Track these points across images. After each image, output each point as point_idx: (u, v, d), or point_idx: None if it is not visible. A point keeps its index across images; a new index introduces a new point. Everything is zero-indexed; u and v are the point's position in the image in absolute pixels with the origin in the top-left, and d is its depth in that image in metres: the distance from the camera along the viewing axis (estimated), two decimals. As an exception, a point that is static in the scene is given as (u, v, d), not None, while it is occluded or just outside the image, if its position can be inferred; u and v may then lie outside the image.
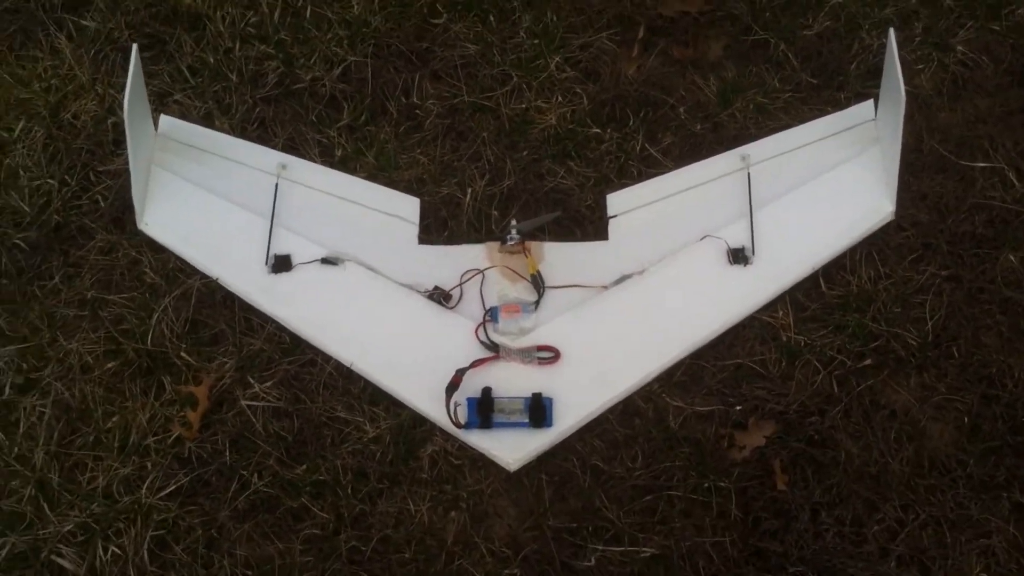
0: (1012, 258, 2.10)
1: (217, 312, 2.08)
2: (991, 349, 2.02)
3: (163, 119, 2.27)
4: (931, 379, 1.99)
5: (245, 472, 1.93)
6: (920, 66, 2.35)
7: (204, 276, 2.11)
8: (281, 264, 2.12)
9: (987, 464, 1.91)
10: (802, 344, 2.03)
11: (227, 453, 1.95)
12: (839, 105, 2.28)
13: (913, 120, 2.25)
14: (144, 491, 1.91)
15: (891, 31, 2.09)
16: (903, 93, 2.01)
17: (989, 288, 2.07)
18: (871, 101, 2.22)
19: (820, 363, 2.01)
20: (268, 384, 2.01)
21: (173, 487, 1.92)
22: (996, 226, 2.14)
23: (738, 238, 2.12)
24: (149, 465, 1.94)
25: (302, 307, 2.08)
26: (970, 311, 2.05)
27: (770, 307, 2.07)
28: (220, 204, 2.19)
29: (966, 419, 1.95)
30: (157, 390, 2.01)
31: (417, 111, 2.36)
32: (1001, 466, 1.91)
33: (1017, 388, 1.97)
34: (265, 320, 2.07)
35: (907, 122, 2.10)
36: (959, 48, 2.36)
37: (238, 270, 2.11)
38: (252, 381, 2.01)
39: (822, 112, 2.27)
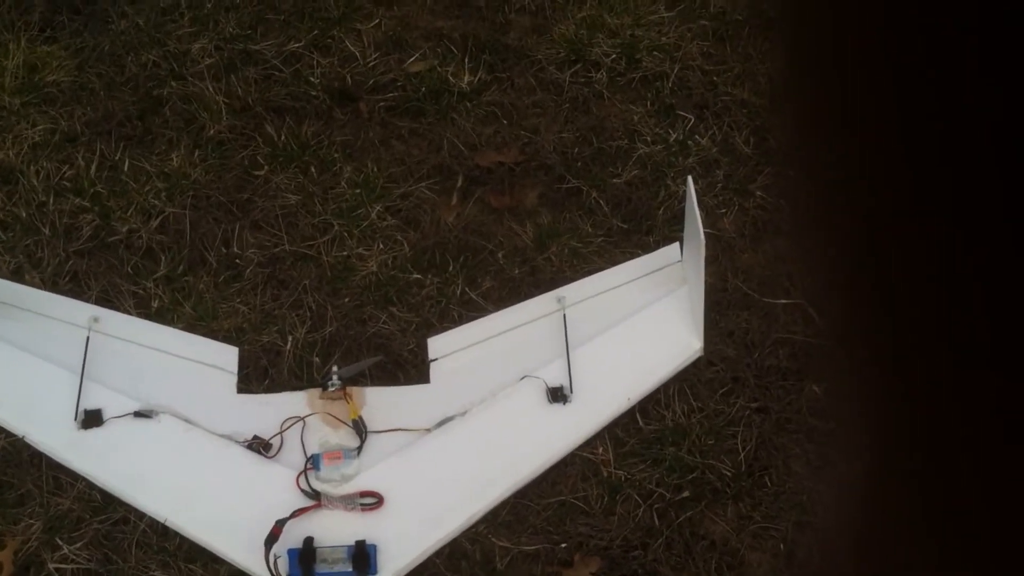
0: (815, 388, 2.20)
1: (23, 471, 2.00)
2: (801, 476, 2.09)
3: (-31, 274, 2.21)
4: (747, 508, 2.05)
5: (50, 641, 1.83)
6: (723, 210, 2.48)
7: (10, 434, 2.03)
8: (91, 419, 2.05)
9: (803, 590, 1.96)
10: (622, 479, 2.06)
11: (31, 621, 1.85)
12: (648, 248, 2.38)
13: (717, 261, 2.36)
14: (-63, 668, 1.79)
15: (689, 179, 2.21)
16: (702, 237, 2.11)
17: (795, 418, 2.16)
18: (677, 244, 2.33)
19: (640, 497, 2.05)
20: (78, 546, 1.92)
21: (-30, 661, 1.80)
22: (799, 359, 2.25)
23: (556, 377, 2.16)
24: (-56, 639, 1.82)
25: (114, 463, 2.01)
26: (779, 440, 2.13)
27: (591, 443, 2.10)
28: (28, 360, 2.12)
29: (782, 546, 2.01)
30: (-45, 557, 1.90)
31: (237, 260, 2.36)
32: (816, 591, 1.96)
33: (827, 514, 2.03)
34: (75, 478, 1.99)
35: (712, 263, 2.21)
36: (758, 193, 2.51)
37: (46, 427, 2.04)
38: (60, 543, 1.92)
39: (633, 255, 2.37)
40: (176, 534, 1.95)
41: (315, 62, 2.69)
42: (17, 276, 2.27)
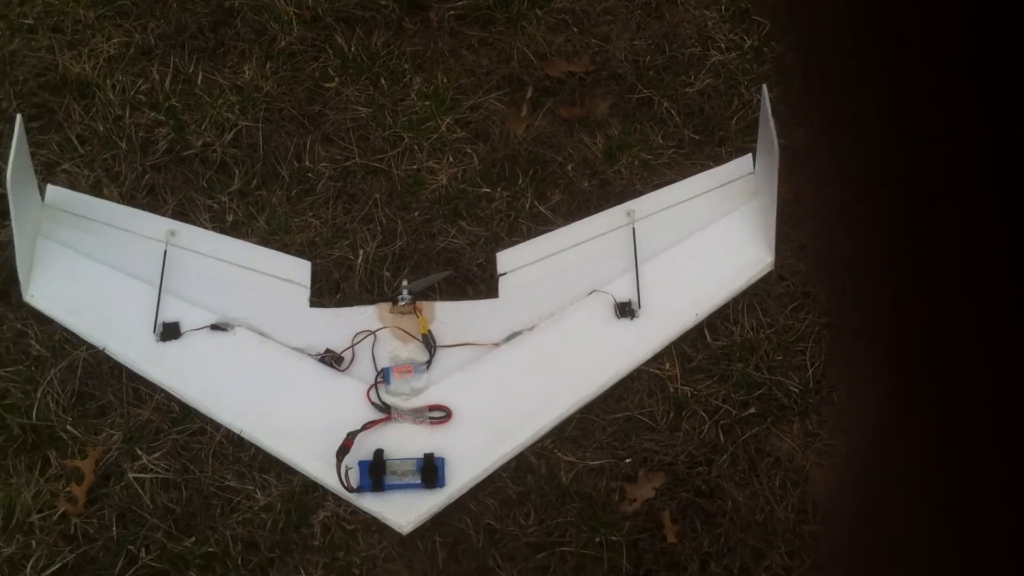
0: (888, 304, 2.16)
1: (104, 383, 2.07)
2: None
3: (50, 189, 2.26)
4: (813, 425, 2.04)
5: (132, 547, 1.91)
6: (798, 120, 2.42)
7: (91, 347, 2.09)
8: (170, 332, 2.11)
9: (868, 507, 1.96)
10: (688, 395, 2.07)
11: (114, 528, 1.92)
12: (721, 160, 2.34)
13: (791, 173, 2.31)
14: (28, 571, 1.88)
15: (764, 87, 2.16)
16: (776, 147, 2.07)
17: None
18: (750, 155, 2.29)
19: (706, 413, 2.05)
20: (156, 455, 1.99)
21: (58, 565, 1.89)
22: (872, 274, 2.20)
23: (625, 292, 2.16)
24: (34, 543, 1.91)
25: (191, 375, 2.07)
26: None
27: (657, 359, 2.11)
28: (108, 273, 2.18)
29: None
30: (43, 465, 1.98)
31: (309, 174, 2.38)
32: (882, 509, 1.96)
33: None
34: (154, 389, 2.06)
35: (785, 175, 2.17)
36: (835, 101, 2.44)
37: (126, 339, 2.10)
38: (140, 453, 1.99)
39: (704, 167, 2.33)
40: (251, 445, 2.01)
41: (385, -30, 2.66)
42: (96, 190, 2.32)
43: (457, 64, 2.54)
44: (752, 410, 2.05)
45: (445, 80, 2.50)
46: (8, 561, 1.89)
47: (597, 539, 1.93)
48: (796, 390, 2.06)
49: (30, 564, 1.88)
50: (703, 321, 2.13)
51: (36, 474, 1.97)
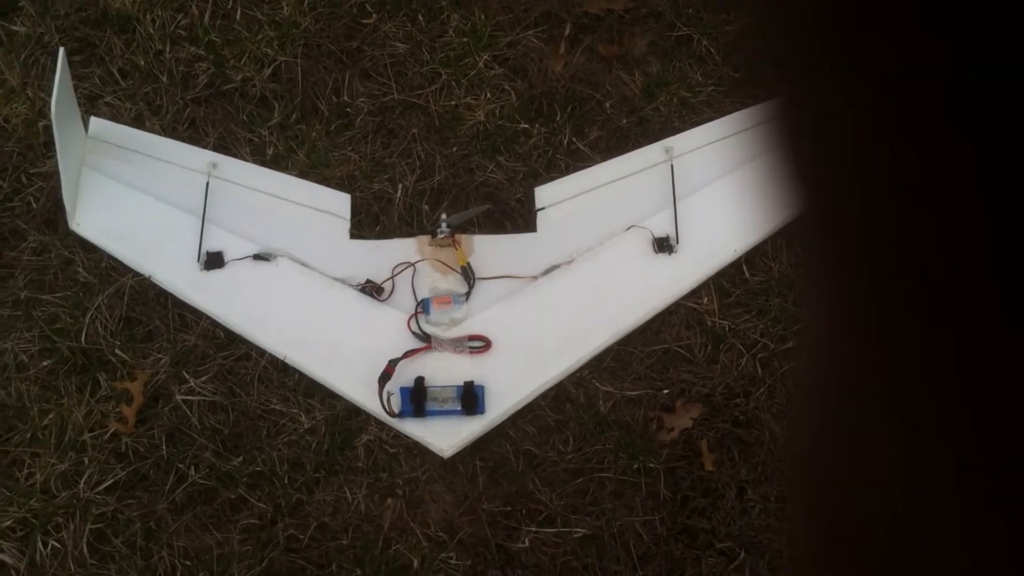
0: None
1: (151, 309, 2.10)
2: (906, 329, 2.09)
3: (93, 121, 2.29)
4: (849, 359, 2.06)
5: (182, 465, 1.95)
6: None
7: (137, 274, 2.13)
8: (213, 261, 2.14)
9: (903, 438, 1.98)
10: (726, 329, 2.09)
11: (163, 447, 1.97)
12: (760, 98, 2.34)
13: (829, 111, 2.32)
14: (82, 486, 1.92)
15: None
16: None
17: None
18: (789, 93, 2.29)
19: (744, 347, 2.07)
20: (203, 379, 2.03)
21: (111, 481, 1.93)
22: (910, 211, 2.22)
23: (663, 228, 2.18)
24: (86, 460, 1.95)
25: (235, 302, 2.10)
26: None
27: (695, 294, 2.13)
28: (152, 203, 2.20)
29: (883, 396, 2.02)
30: (92, 387, 2.02)
31: (348, 109, 2.39)
32: (917, 440, 1.98)
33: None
34: (199, 316, 2.09)
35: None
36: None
37: (171, 267, 2.13)
38: (187, 376, 2.03)
39: (743, 105, 2.34)
40: (295, 370, 2.04)
41: (423, -93, 2.66)
42: (138, 123, 2.34)
43: (495, 1, 2.54)
44: (790, 344, 2.07)
45: (483, 17, 2.51)
46: (62, 476, 1.93)
47: (635, 466, 1.96)
48: (833, 324, 2.08)
49: (83, 479, 1.93)
50: (741, 257, 2.15)
51: (87, 395, 2.01)
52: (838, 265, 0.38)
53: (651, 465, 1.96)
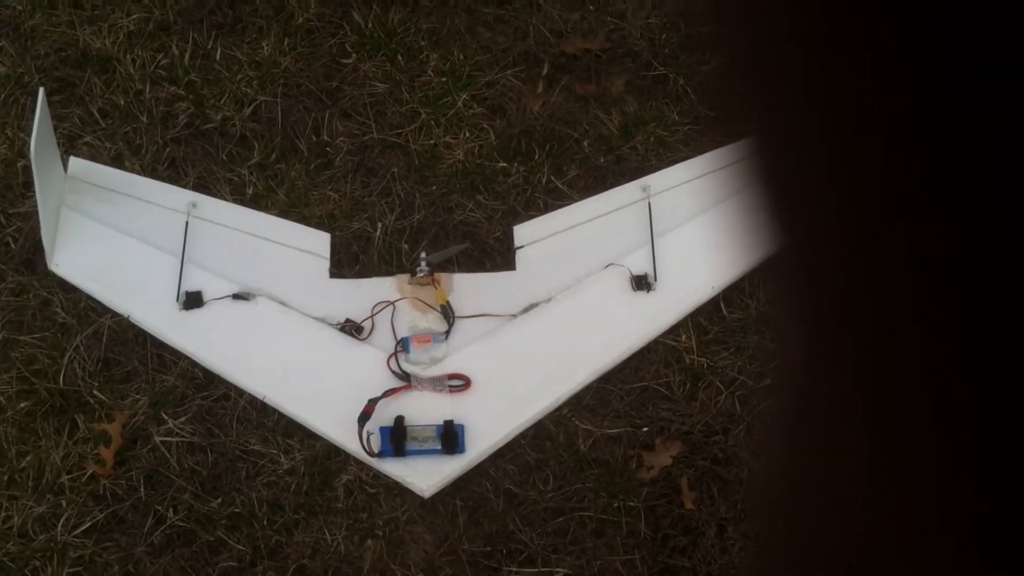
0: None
1: (129, 349, 2.10)
2: (883, 365, 2.11)
3: (72, 161, 2.29)
4: (827, 395, 2.07)
5: (160, 507, 1.94)
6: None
7: (116, 314, 2.12)
8: (192, 300, 2.14)
9: (881, 475, 1.99)
10: (705, 366, 2.10)
11: (142, 489, 1.96)
12: (735, 136, 2.36)
13: (805, 149, 2.35)
14: (59, 529, 1.91)
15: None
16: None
17: (879, 307, 2.16)
18: (765, 132, 2.31)
19: (722, 384, 2.08)
20: (182, 420, 2.03)
21: (89, 524, 1.92)
22: (885, 248, 2.24)
23: (641, 265, 2.19)
24: (64, 503, 1.94)
25: (214, 342, 2.10)
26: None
27: (674, 331, 2.14)
28: (131, 243, 2.21)
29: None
30: (71, 429, 2.01)
31: (327, 148, 2.41)
32: (895, 476, 1.99)
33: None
34: (178, 356, 2.09)
35: (799, 151, 2.20)
36: (847, 80, 2.47)
37: (150, 307, 2.13)
38: (166, 417, 2.03)
39: (720, 144, 2.35)
40: (274, 410, 2.04)
41: (402, -52, 2.69)
42: (118, 162, 2.34)
43: (473, 41, 2.57)
44: (768, 381, 2.08)
45: (462, 56, 2.53)
46: (39, 519, 1.92)
47: (615, 504, 1.97)
48: (810, 361, 2.10)
49: (61, 522, 1.91)
50: (719, 294, 2.17)
51: (64, 437, 2.00)
52: (814, 301, 0.40)
53: (631, 503, 1.97)
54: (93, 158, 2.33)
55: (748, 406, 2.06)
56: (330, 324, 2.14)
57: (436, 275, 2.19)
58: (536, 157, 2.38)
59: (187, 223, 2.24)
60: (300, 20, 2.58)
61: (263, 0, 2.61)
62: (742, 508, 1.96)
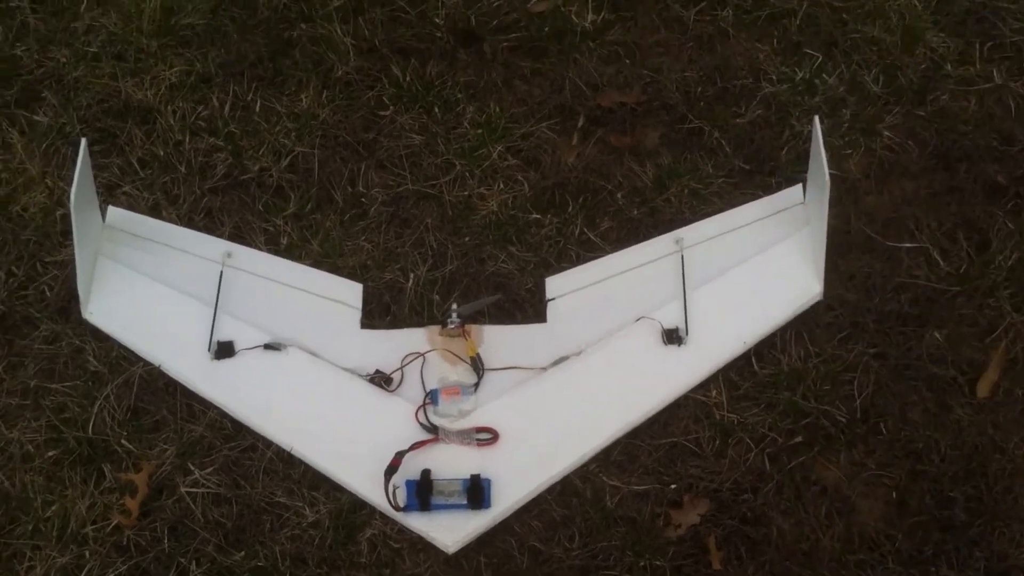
0: (937, 335, 2.16)
1: (159, 399, 2.11)
2: (918, 425, 2.06)
3: (110, 210, 2.32)
4: (860, 455, 2.03)
5: (183, 560, 1.94)
6: (848, 151, 2.43)
7: (147, 363, 2.14)
8: (224, 350, 2.15)
9: (915, 539, 1.95)
10: (735, 422, 2.07)
11: (165, 541, 1.96)
12: (770, 190, 2.35)
13: (841, 203, 2.32)
14: (82, 579, 1.92)
15: (816, 119, 2.17)
16: (827, 178, 2.08)
17: (915, 365, 2.12)
18: (800, 185, 2.29)
19: (752, 441, 2.05)
20: (208, 471, 2.03)
21: (111, 576, 1.93)
22: (921, 304, 2.20)
23: (672, 319, 2.17)
24: (87, 554, 1.94)
25: (244, 393, 2.10)
26: (897, 388, 2.10)
27: (704, 386, 2.11)
28: (165, 292, 2.23)
29: (894, 494, 1.99)
30: (97, 478, 2.02)
31: (362, 199, 2.42)
32: (929, 541, 1.94)
33: (943, 463, 2.02)
34: (207, 406, 2.10)
35: (834, 205, 2.18)
36: (886, 133, 2.45)
37: (181, 357, 2.14)
38: (192, 468, 2.03)
39: (754, 196, 2.34)
40: (301, 462, 2.04)
41: (440, 3, 2.71)
42: (155, 212, 2.37)
43: (510, 94, 2.57)
44: (799, 439, 2.05)
45: (498, 109, 2.54)
46: (62, 571, 1.93)
47: (641, 563, 1.93)
48: (843, 419, 2.06)
49: (83, 574, 1.92)
50: (750, 349, 2.14)
51: (91, 486, 2.01)
52: None
53: (658, 563, 1.93)
54: (131, 207, 2.36)
55: (777, 464, 2.02)
56: (360, 375, 2.13)
57: (467, 327, 2.18)
58: (570, 209, 2.38)
59: (222, 272, 2.25)
60: (339, 73, 2.61)
61: (303, 54, 2.64)
62: (770, 569, 1.92)
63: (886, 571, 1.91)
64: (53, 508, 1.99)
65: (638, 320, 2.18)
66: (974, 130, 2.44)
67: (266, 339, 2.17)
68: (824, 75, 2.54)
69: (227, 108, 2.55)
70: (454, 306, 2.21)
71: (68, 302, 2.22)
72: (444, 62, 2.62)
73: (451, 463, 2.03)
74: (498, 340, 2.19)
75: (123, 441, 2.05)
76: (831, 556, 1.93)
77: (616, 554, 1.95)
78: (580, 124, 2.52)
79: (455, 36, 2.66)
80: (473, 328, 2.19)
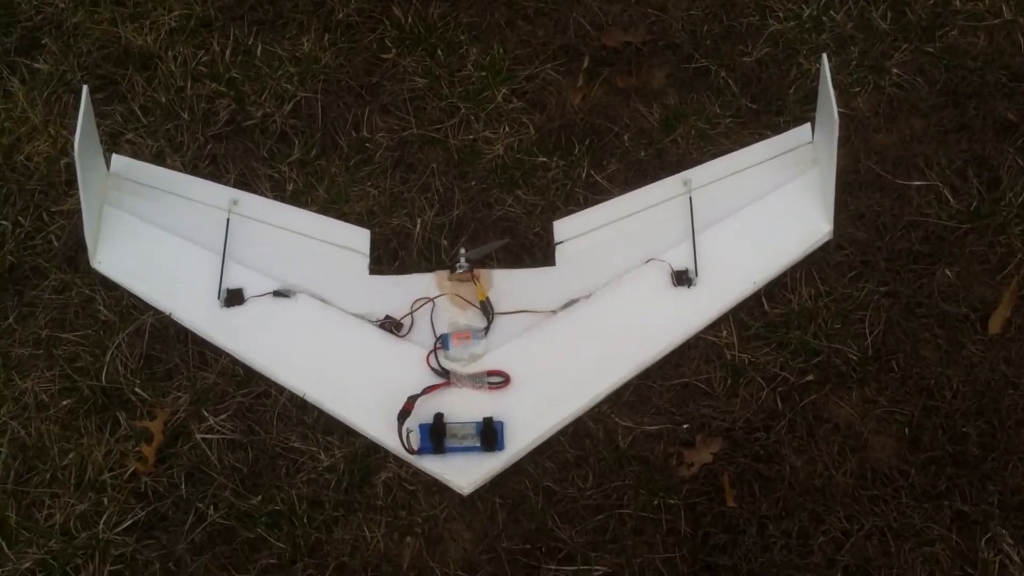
0: (948, 273, 2.16)
1: (171, 347, 2.11)
2: (929, 362, 2.07)
3: (115, 158, 2.30)
4: (872, 392, 2.04)
5: (201, 504, 1.95)
6: (856, 89, 2.42)
7: (157, 312, 2.14)
8: (234, 298, 2.15)
9: (928, 474, 1.96)
10: (746, 362, 2.07)
11: (183, 486, 1.97)
12: (778, 129, 2.33)
13: (850, 142, 2.31)
14: (101, 526, 1.93)
15: (824, 56, 2.15)
16: (836, 116, 2.07)
17: (926, 303, 2.13)
18: (808, 125, 2.28)
19: (764, 380, 2.06)
20: (222, 417, 2.04)
21: (130, 522, 1.94)
22: (932, 242, 2.20)
23: (681, 260, 2.17)
24: (106, 500, 1.96)
25: (255, 340, 2.10)
26: (908, 325, 2.10)
27: (714, 327, 2.11)
28: (173, 240, 2.22)
29: (907, 431, 2.00)
30: (112, 426, 2.03)
31: (367, 144, 2.40)
32: (942, 475, 1.96)
33: (955, 399, 2.03)
34: (219, 354, 2.10)
35: (844, 144, 2.16)
36: (894, 70, 2.43)
37: (191, 305, 2.14)
38: (206, 414, 2.04)
39: (762, 136, 2.33)
40: (314, 408, 2.04)
41: (441, -58, 2.68)
42: (159, 160, 2.36)
43: (513, 35, 2.55)
44: (810, 377, 2.06)
45: (501, 51, 2.51)
46: (81, 517, 1.94)
47: (655, 502, 1.95)
48: (855, 358, 2.07)
49: (103, 520, 1.93)
50: (760, 289, 2.14)
51: (106, 434, 2.02)
52: None
53: (671, 501, 1.95)
54: (135, 155, 2.34)
55: (789, 402, 2.03)
56: (370, 321, 2.13)
57: (476, 271, 2.18)
58: (576, 151, 2.36)
59: (228, 220, 2.24)
60: (340, 15, 2.58)
61: (303, -4, 2.61)
62: (783, 506, 1.94)
63: (900, 506, 1.93)
64: (70, 456, 2.00)
65: (647, 262, 2.18)
66: (984, 66, 2.42)
67: (275, 286, 2.17)
68: (831, 12, 2.52)
69: (228, 53, 2.52)
70: (462, 250, 2.20)
71: (76, 252, 2.22)
72: (446, 3, 2.60)
73: (463, 406, 2.04)
74: (507, 284, 2.19)
75: (137, 389, 2.06)
76: (844, 492, 1.94)
77: (630, 493, 1.96)
78: (585, 65, 2.50)
79: (457, -23, 2.63)
80: (482, 272, 2.19)
